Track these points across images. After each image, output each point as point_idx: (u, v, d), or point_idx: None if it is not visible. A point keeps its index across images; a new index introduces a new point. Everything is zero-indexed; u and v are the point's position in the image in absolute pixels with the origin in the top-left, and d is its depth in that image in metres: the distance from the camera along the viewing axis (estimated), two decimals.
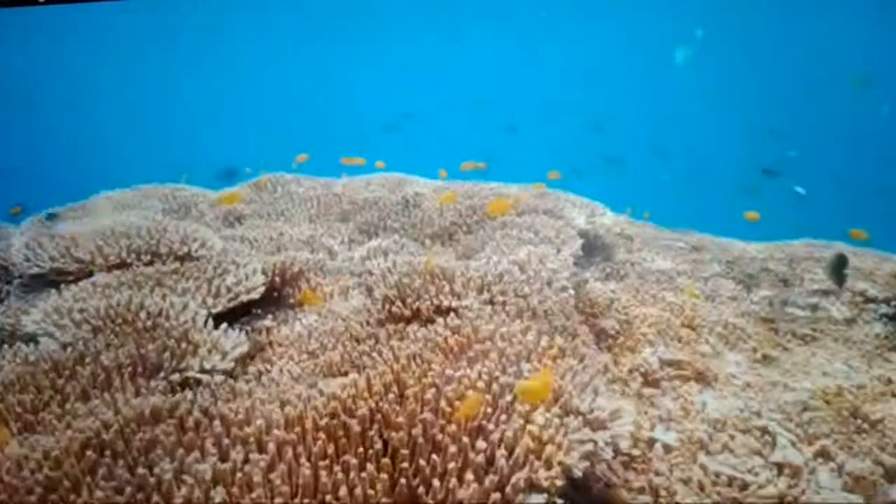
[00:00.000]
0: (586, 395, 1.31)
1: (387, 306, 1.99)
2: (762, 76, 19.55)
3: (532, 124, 19.34)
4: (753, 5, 18.14)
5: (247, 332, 2.26)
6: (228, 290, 2.04)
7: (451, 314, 1.78)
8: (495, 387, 1.27)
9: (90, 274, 2.33)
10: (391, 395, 1.27)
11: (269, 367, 1.86)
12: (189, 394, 1.48)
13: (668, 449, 1.89)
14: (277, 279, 2.61)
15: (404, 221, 3.12)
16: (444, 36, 21.80)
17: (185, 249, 2.34)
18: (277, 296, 2.62)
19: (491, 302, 1.87)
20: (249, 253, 2.81)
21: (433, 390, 1.26)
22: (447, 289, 1.96)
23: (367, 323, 2.07)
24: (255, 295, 2.12)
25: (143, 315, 1.83)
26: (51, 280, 2.40)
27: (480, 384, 1.27)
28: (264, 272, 2.47)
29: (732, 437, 2.02)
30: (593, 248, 3.15)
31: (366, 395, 1.28)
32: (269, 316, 2.34)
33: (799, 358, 2.63)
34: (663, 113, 19.05)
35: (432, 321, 1.91)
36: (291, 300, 2.64)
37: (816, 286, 3.19)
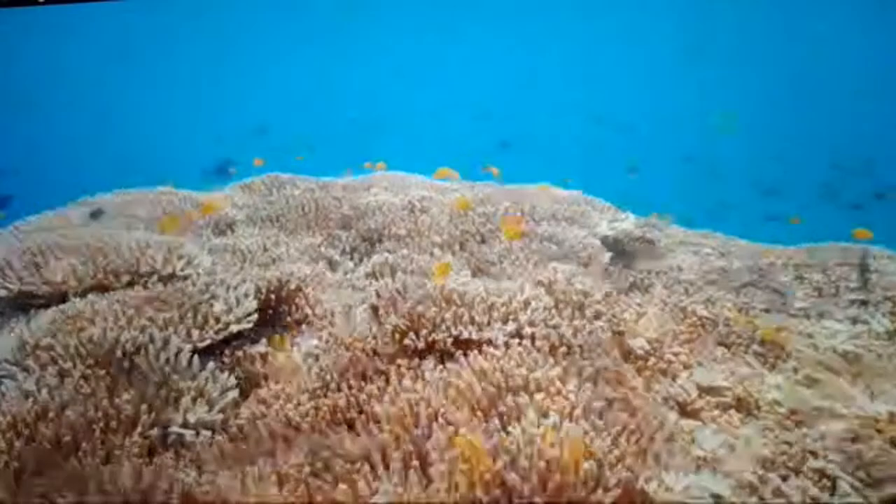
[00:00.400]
0: (648, 467, 1.08)
1: (397, 337, 1.75)
2: (761, 75, 19.32)
3: (532, 124, 19.10)
4: (753, 5, 17.89)
5: (238, 360, 2.04)
6: (217, 319, 1.80)
7: (475, 352, 1.55)
8: (541, 464, 1.04)
9: (63, 297, 2.08)
10: (413, 476, 1.03)
11: (264, 409, 1.63)
12: (169, 460, 1.25)
13: (717, 498, 1.68)
14: (273, 296, 2.37)
15: (410, 228, 2.87)
16: (444, 36, 21.49)
17: (169, 269, 2.09)
18: (273, 313, 2.38)
19: (518, 335, 1.63)
20: (241, 267, 2.56)
21: (466, 467, 1.03)
22: (466, 317, 1.72)
23: (375, 353, 1.84)
24: (246, 325, 1.87)
25: (118, 353, 1.59)
26: (21, 304, 2.15)
27: (523, 461, 1.03)
28: (258, 290, 2.23)
29: (785, 479, 1.81)
30: (615, 256, 2.92)
31: (382, 474, 1.05)
32: (264, 340, 2.11)
33: (843, 379, 2.42)
34: (663, 112, 18.79)
35: (451, 354, 1.68)
36: (288, 318, 2.41)
37: (853, 296, 2.97)
